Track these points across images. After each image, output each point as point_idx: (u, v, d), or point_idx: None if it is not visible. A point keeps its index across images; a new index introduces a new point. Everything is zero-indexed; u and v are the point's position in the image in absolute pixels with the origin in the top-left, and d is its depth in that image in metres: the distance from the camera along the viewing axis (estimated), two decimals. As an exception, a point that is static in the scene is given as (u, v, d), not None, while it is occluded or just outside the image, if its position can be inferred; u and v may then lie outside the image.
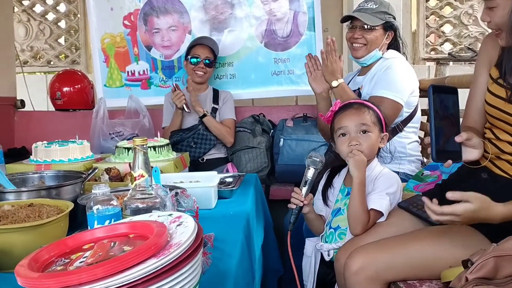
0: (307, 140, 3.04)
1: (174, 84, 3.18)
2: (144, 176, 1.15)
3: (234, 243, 1.39)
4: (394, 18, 2.44)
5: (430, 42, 4.46)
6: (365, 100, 1.82)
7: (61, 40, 4.98)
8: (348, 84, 2.49)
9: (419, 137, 2.53)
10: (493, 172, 1.46)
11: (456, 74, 2.65)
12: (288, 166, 3.05)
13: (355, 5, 3.14)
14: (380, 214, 1.61)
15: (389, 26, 2.40)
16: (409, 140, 2.40)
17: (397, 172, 2.26)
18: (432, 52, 4.44)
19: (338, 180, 1.80)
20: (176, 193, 1.27)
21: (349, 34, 2.44)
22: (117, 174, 2.08)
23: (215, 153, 3.16)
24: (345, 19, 2.51)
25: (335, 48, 2.30)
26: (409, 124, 2.38)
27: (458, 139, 1.30)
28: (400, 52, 2.46)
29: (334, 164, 2.25)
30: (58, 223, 1.24)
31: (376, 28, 2.35)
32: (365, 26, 2.35)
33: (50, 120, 3.59)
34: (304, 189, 1.67)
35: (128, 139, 3.15)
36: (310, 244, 1.80)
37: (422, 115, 2.63)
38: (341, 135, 1.70)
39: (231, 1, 3.41)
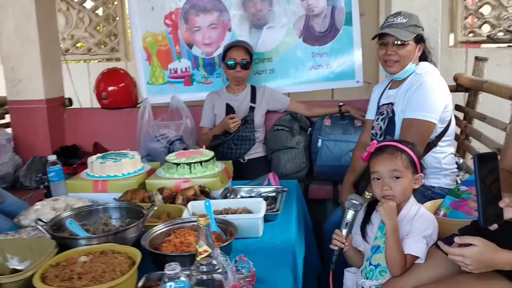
0: (345, 141, 3.10)
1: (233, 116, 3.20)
2: (207, 251, 1.30)
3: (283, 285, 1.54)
4: (423, 30, 2.43)
5: (469, 24, 4.41)
6: (399, 142, 1.84)
7: (100, 28, 5.11)
8: (380, 97, 2.55)
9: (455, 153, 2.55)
10: None
11: (494, 82, 2.68)
12: (326, 166, 3.13)
13: None
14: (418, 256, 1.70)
15: (419, 39, 2.40)
16: (444, 154, 2.40)
17: (433, 187, 2.34)
18: (471, 35, 4.40)
19: (377, 217, 1.85)
20: (236, 260, 1.42)
21: (381, 51, 2.42)
22: (169, 194, 2.23)
23: (255, 153, 3.31)
24: (376, 36, 2.46)
25: None
26: (443, 138, 2.39)
27: (502, 204, 1.38)
28: (428, 60, 2.47)
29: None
30: (132, 276, 1.41)
31: (409, 42, 2.35)
32: (397, 42, 2.34)
33: (97, 118, 3.78)
34: (345, 231, 1.76)
35: (171, 143, 3.33)
36: (349, 276, 1.89)
37: (456, 109, 2.59)
38: (375, 179, 1.78)
39: (270, -2, 3.47)
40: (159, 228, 1.79)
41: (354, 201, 1.76)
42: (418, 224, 1.72)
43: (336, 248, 1.77)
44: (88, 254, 1.56)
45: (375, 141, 1.86)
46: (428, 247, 1.70)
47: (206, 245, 1.30)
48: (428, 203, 2.11)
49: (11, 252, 1.67)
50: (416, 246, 1.68)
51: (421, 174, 1.80)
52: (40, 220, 1.80)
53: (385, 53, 2.39)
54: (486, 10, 4.44)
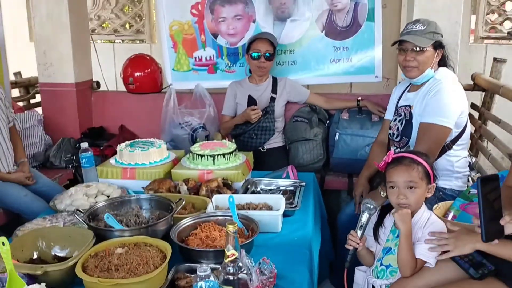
0: (361, 136, 3.21)
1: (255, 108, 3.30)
2: (235, 255, 1.45)
3: (300, 281, 1.69)
4: (442, 36, 2.49)
5: (490, 20, 4.43)
6: (415, 154, 1.94)
7: (126, 10, 5.21)
8: (399, 98, 2.64)
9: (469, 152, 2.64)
10: None
11: (511, 87, 2.75)
12: (343, 159, 3.25)
13: None
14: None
15: (438, 45, 2.46)
16: (458, 158, 2.48)
17: (444, 189, 2.45)
18: (491, 31, 4.42)
19: (389, 221, 1.98)
20: (259, 262, 1.57)
21: (400, 57, 2.49)
22: (194, 186, 2.38)
23: (275, 143, 3.43)
24: (395, 42, 2.53)
25: None
26: (458, 142, 2.47)
27: (502, 222, 1.50)
28: (446, 65, 2.54)
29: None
30: (163, 269, 1.57)
31: (427, 49, 2.42)
32: (416, 48, 2.41)
33: (123, 102, 3.92)
34: (359, 233, 1.89)
35: (195, 130, 3.48)
36: (360, 275, 2.04)
37: (472, 108, 2.62)
38: (391, 187, 1.90)
39: (294, -8, 3.54)
40: (186, 221, 1.94)
41: (368, 205, 1.89)
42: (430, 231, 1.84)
43: (351, 248, 1.90)
44: (123, 245, 1.72)
45: (391, 151, 1.97)
46: (438, 253, 1.80)
47: (234, 249, 1.45)
48: (439, 204, 2.20)
49: (54, 239, 1.84)
50: (427, 252, 1.80)
51: (434, 184, 1.91)
52: (78, 210, 1.96)
53: (404, 59, 2.46)
54: (509, 6, 4.45)
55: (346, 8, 3.52)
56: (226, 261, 1.47)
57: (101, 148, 3.56)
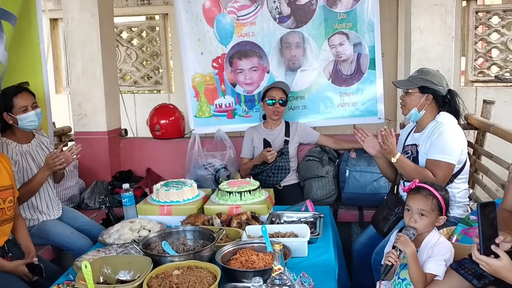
0: (369, 172, 3.55)
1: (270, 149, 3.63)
2: (281, 269, 1.75)
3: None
4: (433, 83, 2.77)
5: (478, 65, 4.88)
6: (435, 188, 2.21)
7: (145, 64, 5.64)
8: (407, 138, 2.97)
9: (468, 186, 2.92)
10: None
11: (500, 126, 3.13)
12: (353, 194, 3.59)
13: (406, 34, 3.65)
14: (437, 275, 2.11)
15: (426, 90, 2.77)
16: (459, 189, 2.76)
17: (447, 216, 2.78)
18: (480, 75, 4.85)
19: None
20: (300, 276, 1.89)
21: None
22: (226, 219, 2.69)
23: (290, 180, 3.76)
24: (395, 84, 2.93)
25: (389, 134, 2.72)
26: (459, 176, 2.79)
27: (497, 240, 1.80)
28: (456, 108, 2.82)
29: (396, 205, 2.80)
30: (216, 286, 1.86)
31: (410, 91, 2.77)
32: (404, 90, 2.82)
33: (150, 147, 4.27)
34: (397, 252, 2.12)
35: (217, 170, 3.82)
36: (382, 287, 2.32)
37: (468, 145, 2.92)
38: (407, 210, 2.22)
39: (304, 46, 4.00)
40: (227, 248, 2.24)
41: (411, 231, 2.15)
42: (439, 250, 2.14)
43: (389, 263, 2.11)
44: (178, 268, 2.03)
45: (417, 180, 2.25)
46: (446, 267, 2.11)
47: (280, 265, 1.77)
48: (444, 230, 2.51)
49: (117, 266, 2.12)
50: (436, 267, 2.09)
51: (444, 217, 2.19)
52: (134, 241, 2.28)
53: (400, 97, 2.89)
54: (494, 53, 4.91)
55: (350, 58, 3.96)
56: (273, 274, 1.78)
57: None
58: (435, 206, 2.17)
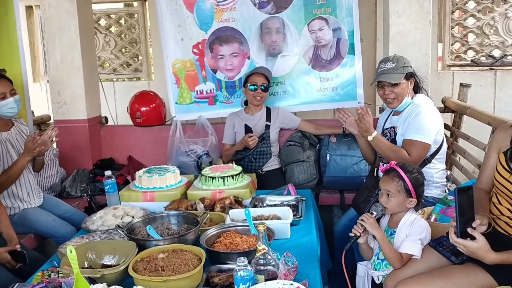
0: (350, 156, 3.61)
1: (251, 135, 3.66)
2: (265, 249, 1.80)
3: (313, 274, 2.03)
4: (411, 67, 2.87)
5: (455, 50, 4.96)
6: (404, 169, 2.25)
7: (124, 51, 5.60)
8: (385, 121, 3.03)
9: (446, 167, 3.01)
10: (495, 229, 2.05)
11: (476, 108, 3.20)
12: (334, 177, 3.65)
13: (384, 18, 3.69)
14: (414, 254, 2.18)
15: (409, 75, 2.85)
16: (436, 170, 2.85)
17: (426, 197, 2.79)
18: (457, 59, 4.94)
19: (384, 221, 2.35)
20: (284, 256, 1.92)
21: (380, 91, 2.89)
22: (210, 204, 2.72)
23: (272, 165, 3.80)
24: (373, 82, 2.94)
25: (366, 112, 2.81)
26: (436, 156, 2.86)
27: (474, 224, 1.86)
28: (419, 86, 2.92)
29: (375, 187, 2.84)
30: (201, 268, 1.90)
31: (401, 82, 2.80)
32: (391, 84, 2.80)
33: (130, 134, 4.27)
34: (362, 228, 2.20)
35: (199, 157, 3.84)
36: (362, 268, 2.38)
37: (444, 128, 2.98)
38: (379, 190, 2.30)
39: (284, 31, 4.01)
40: (211, 231, 2.27)
41: (379, 208, 2.24)
42: (415, 229, 2.20)
43: (352, 235, 2.19)
44: (163, 252, 2.05)
45: (393, 162, 2.31)
46: (422, 246, 2.18)
47: (264, 245, 1.81)
48: (422, 210, 2.58)
49: (101, 251, 2.15)
50: (413, 247, 2.16)
51: (414, 199, 2.22)
52: (118, 226, 2.29)
53: (384, 93, 2.87)
54: (471, 37, 4.99)
55: (329, 43, 3.99)
56: (257, 254, 1.82)
57: (113, 177, 3.87)
58: (401, 188, 2.22)
